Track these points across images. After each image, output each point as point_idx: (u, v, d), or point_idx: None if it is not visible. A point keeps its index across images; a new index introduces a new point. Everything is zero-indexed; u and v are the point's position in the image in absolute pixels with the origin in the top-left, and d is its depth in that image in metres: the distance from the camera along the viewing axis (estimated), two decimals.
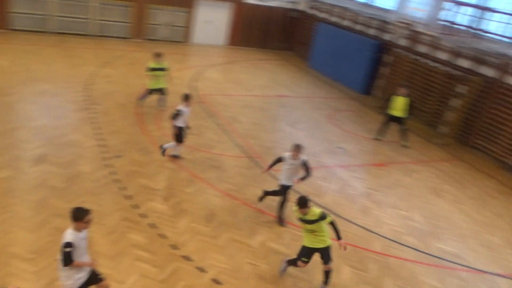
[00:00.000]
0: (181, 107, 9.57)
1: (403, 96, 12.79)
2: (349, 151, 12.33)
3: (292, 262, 6.88)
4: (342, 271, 7.35)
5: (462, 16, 14.66)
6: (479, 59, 14.19)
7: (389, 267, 7.69)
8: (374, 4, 18.92)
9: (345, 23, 20.21)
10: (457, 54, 14.89)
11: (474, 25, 14.23)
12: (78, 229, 4.99)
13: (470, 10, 14.36)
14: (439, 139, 14.06)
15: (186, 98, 9.67)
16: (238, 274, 6.89)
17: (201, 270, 6.82)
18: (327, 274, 6.69)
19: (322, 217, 6.46)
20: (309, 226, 6.54)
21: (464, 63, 14.71)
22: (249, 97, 15.42)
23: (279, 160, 8.15)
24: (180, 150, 10.20)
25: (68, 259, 4.91)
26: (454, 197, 10.80)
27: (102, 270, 6.46)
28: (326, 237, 6.60)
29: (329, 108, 15.82)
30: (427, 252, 8.37)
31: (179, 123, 9.61)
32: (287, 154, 8.05)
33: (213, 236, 7.65)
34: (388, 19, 15.87)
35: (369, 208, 9.53)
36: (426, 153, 13.20)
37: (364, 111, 16.37)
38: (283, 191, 8.23)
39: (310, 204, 6.43)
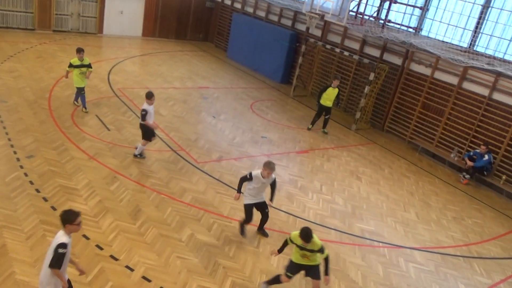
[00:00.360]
0: (146, 106, 9.36)
1: (336, 87, 13.39)
2: (273, 140, 12.55)
3: (274, 280, 6.59)
4: (272, 258, 7.49)
5: (369, 7, 15.48)
6: (385, 47, 15.11)
7: None
8: None
9: (261, 13, 20.44)
10: (366, 43, 15.74)
11: (379, 15, 15.10)
12: (69, 232, 4.89)
13: (376, 1, 15.21)
14: (355, 125, 14.79)
15: (150, 96, 9.38)
16: (168, 269, 6.75)
17: (129, 268, 6.57)
18: None
19: (321, 250, 6.25)
20: (305, 252, 6.32)
21: (373, 51, 15.59)
22: (169, 89, 15.07)
23: (246, 178, 7.43)
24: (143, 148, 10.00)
25: (60, 262, 4.74)
26: (372, 178, 11.45)
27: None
28: (317, 259, 6.40)
29: (250, 98, 15.96)
30: (349, 232, 8.80)
31: (149, 121, 9.44)
32: (257, 172, 7.35)
33: (140, 233, 7.41)
34: (300, 10, 16.28)
35: (294, 195, 9.79)
36: (344, 139, 13.84)
37: (284, 100, 16.74)
38: (249, 210, 7.64)
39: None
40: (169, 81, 16.04)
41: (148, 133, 9.69)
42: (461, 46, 13.31)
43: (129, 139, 10.74)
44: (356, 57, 15.28)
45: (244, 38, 20.39)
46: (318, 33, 17.50)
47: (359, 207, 9.89)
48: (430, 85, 13.96)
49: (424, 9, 14.23)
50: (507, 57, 12.36)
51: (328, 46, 16.24)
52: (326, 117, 13.80)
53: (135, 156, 9.91)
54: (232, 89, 16.65)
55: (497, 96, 12.47)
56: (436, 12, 14.10)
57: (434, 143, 13.90)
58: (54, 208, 7.56)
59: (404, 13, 14.72)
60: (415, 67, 14.43)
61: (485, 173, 12.26)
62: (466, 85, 13.15)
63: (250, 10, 21.03)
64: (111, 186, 8.59)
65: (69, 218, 4.85)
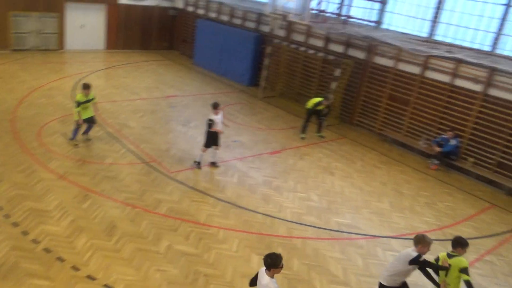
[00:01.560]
0: (212, 116, 10.35)
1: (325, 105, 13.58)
2: (244, 143, 12.57)
3: None
4: (251, 260, 7.51)
5: (331, 4, 15.69)
6: (349, 43, 15.36)
7: (294, 248, 8.04)
8: None
9: (224, 17, 20.47)
10: (330, 40, 15.96)
11: (341, 12, 15.33)
12: (272, 275, 4.99)
13: None
14: (325, 121, 14.95)
15: (216, 106, 10.41)
16: (148, 283, 6.68)
17: (108, 287, 6.48)
18: None
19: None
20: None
21: (337, 47, 15.82)
22: (136, 101, 14.92)
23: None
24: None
25: None
26: (344, 172, 11.61)
27: None
28: None
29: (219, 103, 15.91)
30: (327, 227, 8.90)
31: (218, 127, 10.40)
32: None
33: (116, 250, 7.30)
34: (263, 11, 16.41)
35: (270, 196, 9.84)
36: (315, 136, 13.96)
37: (253, 102, 16.80)
38: None
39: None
40: (136, 92, 15.88)
41: (209, 141, 10.46)
42: (421, 36, 13.63)
43: (99, 155, 10.58)
44: (321, 54, 15.47)
45: (209, 44, 20.37)
46: (282, 33, 17.63)
47: (334, 201, 10.01)
48: (395, 76, 14.25)
49: (383, 2, 14.52)
50: (465, 44, 12.72)
51: (293, 46, 16.39)
52: (306, 122, 13.75)
53: (195, 162, 10.64)
54: (200, 95, 16.60)
55: (458, 82, 12.82)
56: (395, 4, 14.40)
57: (403, 132, 14.20)
58: (25, 233, 7.38)
59: (365, 8, 14.98)
60: (379, 60, 14.71)
61: (453, 157, 12.59)
62: (429, 73, 13.47)
63: (214, 15, 21.03)
64: (83, 205, 8.44)
65: (275, 263, 4.96)
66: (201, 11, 21.81)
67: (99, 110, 12.15)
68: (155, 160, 10.74)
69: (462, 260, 6.07)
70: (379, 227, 9.23)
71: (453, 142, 12.40)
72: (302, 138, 13.55)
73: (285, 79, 17.70)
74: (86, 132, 11.22)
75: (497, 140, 12.10)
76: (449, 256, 6.18)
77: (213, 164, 10.83)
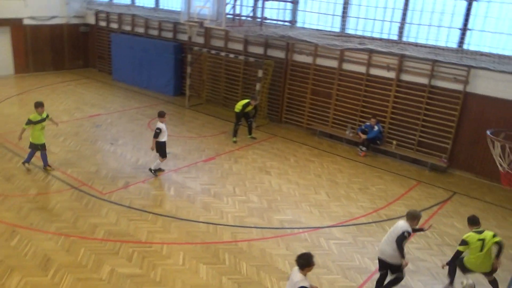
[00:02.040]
0: (159, 124, 10.54)
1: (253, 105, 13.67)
2: (178, 154, 12.37)
3: None
4: (199, 271, 7.40)
5: (245, 8, 15.89)
6: (267, 44, 15.68)
7: (241, 252, 8.04)
8: (161, 8, 19.16)
9: (139, 30, 20.03)
10: (248, 42, 16.19)
11: (255, 14, 15.60)
12: (305, 274, 5.41)
13: (250, 1, 15.68)
14: (255, 122, 15.12)
15: (162, 115, 10.68)
16: None
17: None
18: None
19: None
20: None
21: (256, 49, 16.09)
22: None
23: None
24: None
25: None
26: (280, 170, 11.82)
27: None
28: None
29: (146, 116, 15.58)
30: (270, 226, 9.01)
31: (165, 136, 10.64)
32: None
33: (54, 284, 6.86)
34: (179, 20, 16.29)
35: (209, 203, 9.76)
36: (246, 138, 14.07)
37: (181, 112, 16.59)
38: None
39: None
40: (55, 116, 14.95)
41: (163, 150, 10.70)
42: (334, 31, 14.23)
43: (22, 187, 9.89)
44: (242, 57, 15.64)
45: (127, 58, 19.83)
46: (201, 40, 17.60)
47: (274, 200, 10.15)
48: (315, 71, 14.76)
49: (295, 2, 14.97)
50: (375, 35, 13.46)
51: (213, 52, 16.42)
52: (249, 122, 13.94)
53: (150, 170, 10.87)
54: (125, 111, 16.11)
55: (373, 71, 13.56)
56: (306, 3, 14.88)
57: (329, 124, 14.74)
58: None
59: (278, 8, 15.35)
60: (298, 58, 15.16)
61: (378, 142, 13.29)
62: (346, 65, 14.11)
63: (128, 28, 20.49)
64: (11, 242, 7.84)
65: (308, 262, 5.41)
66: (114, 25, 21.16)
67: (14, 140, 11.37)
68: (85, 183, 10.25)
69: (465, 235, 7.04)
70: (320, 218, 9.50)
71: (376, 128, 13.09)
72: (234, 142, 13.61)
73: (210, 86, 17.68)
74: (28, 160, 10.67)
75: (415, 121, 12.96)
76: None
77: (150, 170, 10.99)
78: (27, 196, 9.45)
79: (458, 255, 7.00)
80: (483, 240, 6.84)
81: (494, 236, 6.90)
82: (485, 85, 11.73)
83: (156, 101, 17.73)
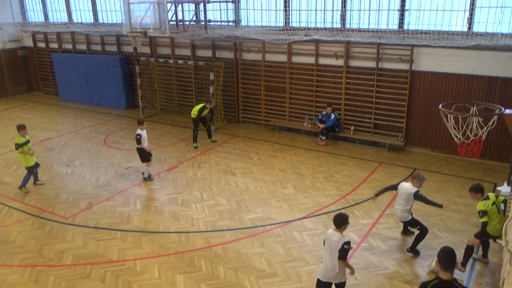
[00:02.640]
0: (139, 131, 10.94)
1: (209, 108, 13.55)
2: (139, 167, 12.07)
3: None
4: (177, 281, 7.27)
5: (186, 12, 15.75)
6: (215, 46, 15.62)
7: (216, 256, 7.97)
8: (101, 22, 18.66)
9: (81, 47, 19.44)
10: (196, 46, 16.08)
11: (198, 18, 15.51)
12: (343, 232, 6.06)
13: (191, 6, 15.56)
14: (213, 126, 15.04)
15: (141, 122, 11.15)
16: None
17: None
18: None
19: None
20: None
21: (205, 52, 16.00)
22: (7, 153, 13.49)
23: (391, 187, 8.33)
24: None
25: (346, 256, 5.99)
26: (245, 170, 11.81)
27: None
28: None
29: (100, 134, 15.14)
30: (242, 227, 8.97)
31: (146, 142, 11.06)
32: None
33: None
34: (121, 33, 15.94)
35: (178, 212, 9.61)
36: (207, 142, 13.96)
37: (136, 125, 16.18)
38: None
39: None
40: (4, 145, 14.36)
41: (146, 155, 10.99)
42: (279, 26, 14.37)
43: None
44: (191, 62, 15.50)
45: (72, 77, 19.20)
46: (147, 50, 17.30)
47: (242, 200, 10.12)
48: (265, 68, 14.84)
49: (236, 1, 14.98)
50: (319, 25, 13.69)
51: (161, 60, 16.19)
52: (207, 126, 13.85)
53: (145, 179, 11.17)
54: (78, 131, 15.59)
55: (322, 60, 13.79)
56: (247, 1, 14.93)
57: (287, 118, 14.87)
58: None
59: (220, 10, 15.32)
60: (247, 56, 15.20)
61: (336, 130, 13.53)
62: (295, 58, 14.28)
63: (69, 46, 19.84)
64: None
65: (344, 220, 6.02)
66: (54, 45, 20.41)
67: None
68: (45, 210, 9.83)
69: (479, 204, 7.24)
70: (290, 212, 9.56)
71: (332, 116, 13.32)
72: (195, 148, 13.47)
73: (162, 94, 17.40)
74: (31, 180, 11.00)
75: (368, 104, 13.29)
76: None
77: (146, 176, 11.37)
78: None
79: (485, 228, 7.09)
80: (494, 202, 7.12)
81: (496, 196, 7.27)
82: (429, 61, 12.19)
83: (109, 117, 17.28)
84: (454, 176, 11.18)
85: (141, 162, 11.21)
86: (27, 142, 10.67)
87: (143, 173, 11.38)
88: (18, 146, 10.54)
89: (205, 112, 13.50)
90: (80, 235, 8.78)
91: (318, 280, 6.23)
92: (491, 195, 7.25)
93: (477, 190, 7.33)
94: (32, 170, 10.84)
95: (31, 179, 11.01)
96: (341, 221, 6.02)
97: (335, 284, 6.18)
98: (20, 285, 7.30)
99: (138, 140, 10.87)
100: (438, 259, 4.63)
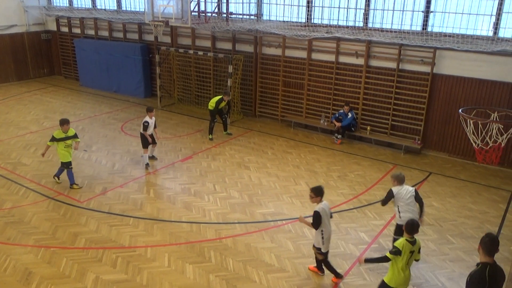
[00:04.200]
0: (147, 118, 11.26)
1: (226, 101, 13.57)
2: (154, 156, 12.21)
3: None
4: (186, 271, 7.34)
5: (209, 4, 15.75)
6: (235, 39, 15.62)
7: (226, 248, 8.02)
8: (124, 9, 18.80)
9: (104, 33, 19.63)
10: (216, 38, 16.09)
11: (220, 10, 15.51)
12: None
13: None
14: (229, 118, 15.08)
15: (150, 109, 11.43)
16: None
17: None
18: None
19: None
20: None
21: (225, 45, 16.01)
22: (26, 135, 13.75)
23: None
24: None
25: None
26: (259, 164, 11.83)
27: None
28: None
29: (118, 120, 15.31)
30: (253, 221, 9.01)
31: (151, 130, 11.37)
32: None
33: None
34: (143, 21, 16.03)
35: (191, 202, 9.69)
36: (222, 135, 14.02)
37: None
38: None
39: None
40: (24, 127, 14.63)
41: (145, 142, 11.27)
42: (301, 22, 14.29)
43: None
44: (210, 54, 15.53)
45: (93, 63, 19.41)
46: (168, 39, 17.39)
47: (255, 194, 10.15)
48: (285, 63, 14.80)
49: None
50: (341, 23, 13.59)
51: (181, 50, 16.25)
52: (213, 122, 13.72)
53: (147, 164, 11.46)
54: (96, 117, 15.78)
55: (342, 58, 13.69)
56: None
57: (303, 115, 14.83)
58: None
59: (243, 2, 15.31)
60: (267, 50, 15.17)
61: (352, 129, 13.45)
62: (315, 55, 14.20)
63: (91, 32, 20.05)
64: None
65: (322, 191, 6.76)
66: (77, 30, 20.66)
67: None
68: (61, 193, 10.01)
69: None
70: (302, 208, 9.55)
71: (350, 115, 13.24)
72: (211, 139, 13.53)
73: (181, 85, 17.49)
74: (57, 174, 10.55)
75: (386, 105, 13.17)
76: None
77: (152, 158, 11.89)
78: (2, 210, 9.16)
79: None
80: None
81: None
82: (451, 65, 12.01)
83: (127, 104, 17.44)
84: (471, 183, 11.03)
85: (142, 147, 11.52)
86: (66, 138, 10.04)
87: (142, 156, 11.73)
88: (53, 139, 10.00)
89: (223, 104, 13.53)
90: (94, 219, 8.92)
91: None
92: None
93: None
94: (67, 166, 10.26)
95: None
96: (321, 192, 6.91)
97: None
98: (34, 265, 7.45)
99: (146, 127, 11.19)
100: (486, 246, 4.78)
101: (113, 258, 7.66)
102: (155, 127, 11.67)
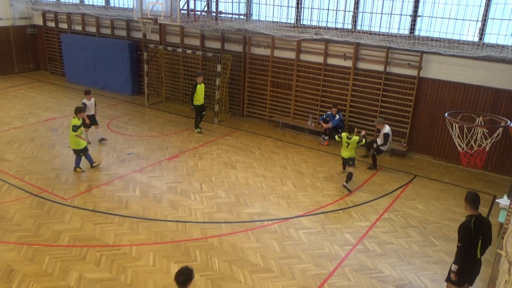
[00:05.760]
0: (85, 100, 12.14)
1: (201, 83, 13.67)
2: (140, 154, 12.13)
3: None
4: (171, 270, 7.29)
5: (198, 2, 15.68)
6: (224, 38, 15.59)
7: (212, 248, 8.00)
8: (112, 5, 18.63)
9: (91, 29, 19.42)
10: (205, 37, 16.05)
11: (210, 9, 15.46)
12: None
13: None
14: (217, 118, 15.06)
15: (88, 92, 12.28)
16: None
17: None
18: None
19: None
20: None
21: (213, 44, 15.97)
22: (10, 131, 13.53)
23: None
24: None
25: None
26: (246, 164, 11.82)
27: None
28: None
29: (105, 118, 15.16)
30: (239, 220, 9.00)
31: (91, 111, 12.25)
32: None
33: None
34: (132, 18, 15.90)
35: (177, 201, 9.64)
36: (210, 133, 14.00)
37: (141, 111, 16.26)
38: None
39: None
40: (7, 122, 14.40)
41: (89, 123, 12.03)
42: (290, 23, 14.32)
43: None
44: (199, 53, 15.48)
45: (80, 59, 19.20)
46: (156, 37, 17.29)
47: (241, 194, 10.15)
48: (273, 63, 14.82)
49: None
50: (330, 25, 13.65)
51: (169, 48, 16.17)
52: (203, 114, 14.01)
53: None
54: None
55: (330, 60, 13.76)
56: None
57: (291, 115, 14.87)
58: None
59: (232, 2, 15.28)
60: (256, 50, 15.18)
61: (339, 130, 13.49)
62: (303, 56, 14.25)
63: (78, 28, 19.82)
64: None
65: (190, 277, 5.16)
66: (63, 26, 20.41)
67: None
68: (45, 190, 9.88)
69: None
70: (288, 209, 9.58)
71: (337, 116, 13.31)
72: (199, 133, 13.59)
73: (168, 83, 17.40)
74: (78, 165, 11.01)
75: (373, 108, 13.27)
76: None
77: (102, 140, 12.76)
78: None
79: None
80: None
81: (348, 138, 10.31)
82: (437, 69, 12.16)
83: (114, 102, 17.29)
84: (455, 186, 11.18)
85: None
86: (81, 125, 10.77)
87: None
88: (76, 128, 10.48)
89: (200, 87, 13.53)
90: (78, 217, 8.82)
91: None
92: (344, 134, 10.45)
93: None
94: (79, 154, 10.77)
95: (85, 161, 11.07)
96: (186, 279, 5.10)
97: None
98: (16, 262, 7.34)
99: (83, 108, 11.41)
100: (470, 202, 5.98)
101: (97, 257, 7.59)
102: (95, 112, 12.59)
